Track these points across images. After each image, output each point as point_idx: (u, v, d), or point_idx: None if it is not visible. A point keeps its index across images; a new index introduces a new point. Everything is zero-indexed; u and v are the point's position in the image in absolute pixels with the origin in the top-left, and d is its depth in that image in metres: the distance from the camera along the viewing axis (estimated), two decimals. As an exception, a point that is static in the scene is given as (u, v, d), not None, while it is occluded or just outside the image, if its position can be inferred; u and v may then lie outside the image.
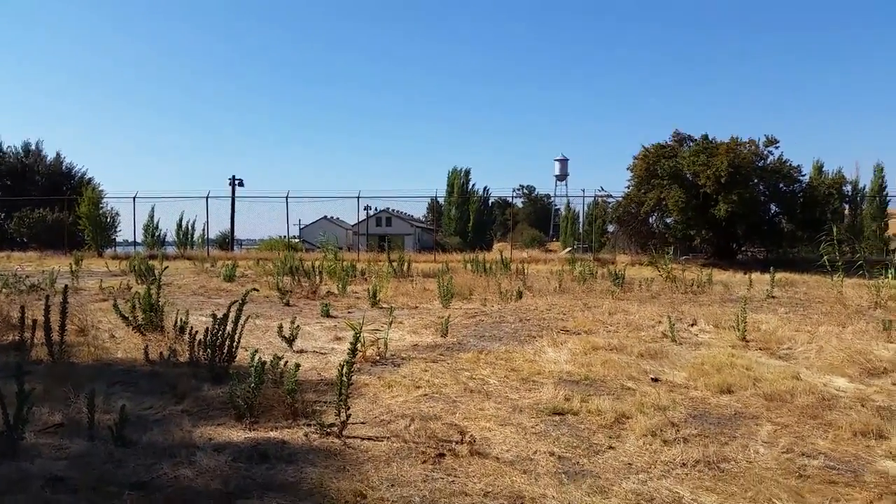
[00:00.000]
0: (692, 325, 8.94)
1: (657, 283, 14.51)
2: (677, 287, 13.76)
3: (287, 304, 10.93)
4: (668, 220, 25.90)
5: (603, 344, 7.16)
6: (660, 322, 8.87)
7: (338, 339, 7.65)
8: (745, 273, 17.78)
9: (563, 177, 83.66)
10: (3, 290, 10.81)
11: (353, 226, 51.19)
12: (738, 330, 7.72)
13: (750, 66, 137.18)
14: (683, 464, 3.67)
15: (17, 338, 6.54)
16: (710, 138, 25.16)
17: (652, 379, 5.75)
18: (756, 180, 23.59)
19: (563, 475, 3.49)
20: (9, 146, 43.55)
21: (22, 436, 3.67)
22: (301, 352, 6.82)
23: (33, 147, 43.97)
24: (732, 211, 21.93)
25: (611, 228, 33.61)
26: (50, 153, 44.15)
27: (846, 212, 34.17)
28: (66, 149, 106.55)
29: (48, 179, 41.44)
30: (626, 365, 6.20)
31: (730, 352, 6.89)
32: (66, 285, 7.41)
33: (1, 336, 6.88)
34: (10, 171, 41.88)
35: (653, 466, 3.64)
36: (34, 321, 6.24)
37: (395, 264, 17.46)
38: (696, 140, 25.75)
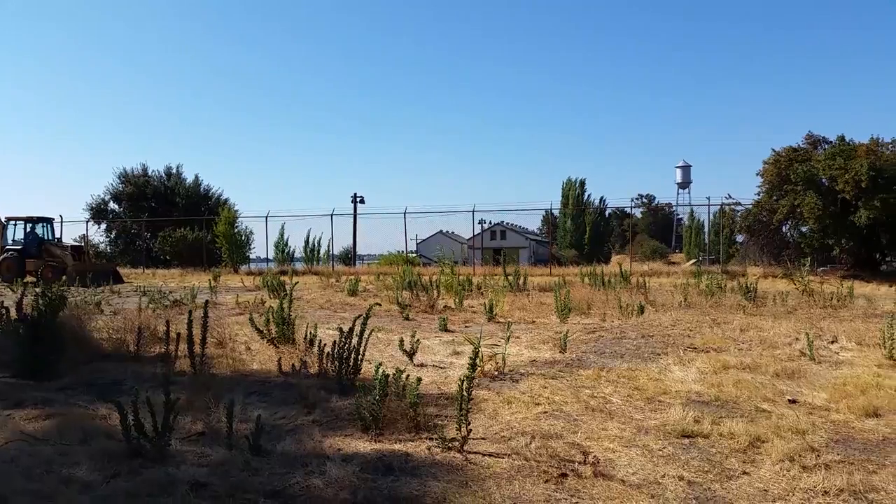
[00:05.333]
0: (832, 342, 8.34)
1: (793, 296, 13.62)
2: (815, 301, 12.85)
3: (406, 318, 11.19)
4: (804, 229, 24.45)
5: (734, 363, 6.80)
6: (797, 339, 8.32)
7: (456, 353, 7.74)
8: (890, 285, 16.40)
9: (685, 184, 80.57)
10: (150, 305, 11.75)
11: (468, 240, 51.73)
12: (885, 348, 7.12)
13: (889, 60, 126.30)
14: (825, 492, 3.42)
15: (162, 350, 7.11)
16: (848, 140, 23.58)
17: (789, 400, 5.40)
18: (901, 184, 21.76)
19: (694, 501, 3.35)
20: (153, 171, 47.58)
21: (168, 442, 3.97)
22: (421, 365, 6.95)
23: (174, 171, 47.76)
24: (874, 218, 20.40)
25: (740, 238, 32.04)
26: (189, 176, 47.80)
27: None
28: (203, 172, 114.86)
29: (188, 201, 44.74)
30: (761, 385, 5.85)
31: (875, 371, 6.41)
32: (206, 301, 7.97)
33: (149, 348, 7.48)
34: (155, 193, 45.66)
35: (791, 494, 3.42)
36: (178, 334, 6.74)
37: (510, 278, 17.45)
38: (831, 142, 24.27)
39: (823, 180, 22.51)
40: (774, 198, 24.07)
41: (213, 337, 7.59)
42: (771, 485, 3.56)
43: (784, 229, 25.41)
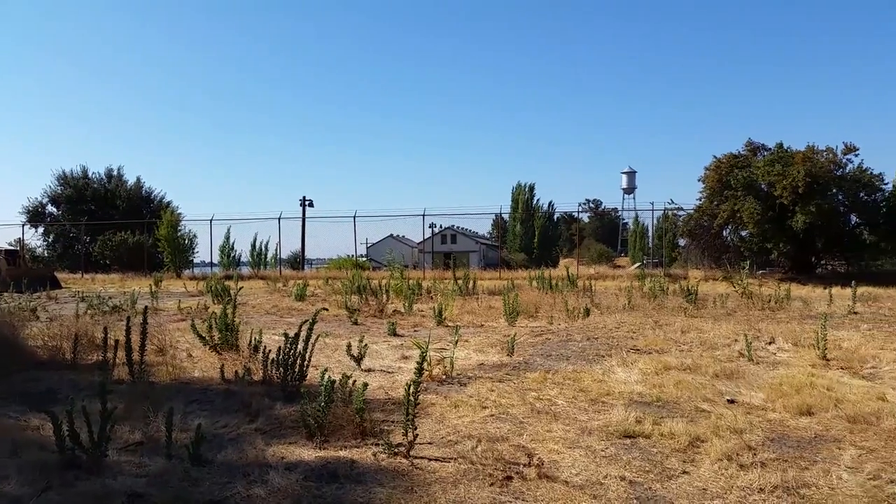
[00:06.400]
0: (770, 343, 8.62)
1: (732, 299, 14.05)
2: (753, 303, 13.27)
3: (355, 323, 11.11)
4: (743, 233, 25.13)
5: (675, 364, 6.97)
6: (736, 340, 8.58)
7: (405, 357, 7.72)
8: (824, 288, 17.01)
9: (630, 190, 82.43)
10: (88, 311, 11.39)
11: (418, 244, 51.63)
12: (819, 348, 7.39)
13: (825, 71, 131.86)
14: (761, 489, 3.52)
15: (100, 357, 6.88)
16: (786, 147, 24.42)
17: (728, 400, 5.56)
18: (835, 190, 22.68)
19: (635, 501, 3.41)
20: (93, 172, 46.17)
21: (105, 453, 3.84)
22: (369, 370, 6.91)
23: (115, 173, 46.44)
24: (810, 222, 21.13)
25: (682, 242, 32.84)
26: (130, 178, 46.56)
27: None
28: (145, 174, 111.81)
29: (129, 204, 43.58)
30: (701, 386, 6.01)
31: (809, 371, 6.61)
32: (145, 307, 7.76)
33: (86, 356, 7.24)
34: (95, 196, 44.27)
35: (729, 492, 3.51)
36: (116, 341, 6.54)
37: (460, 282, 17.51)
38: (770, 149, 25.03)
39: (762, 186, 23.21)
40: (715, 203, 24.68)
41: (153, 344, 7.40)
42: (710, 483, 3.65)
43: (724, 233, 26.04)
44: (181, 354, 7.53)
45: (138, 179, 46.41)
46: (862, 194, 23.00)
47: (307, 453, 4.13)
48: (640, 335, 9.31)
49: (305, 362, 5.74)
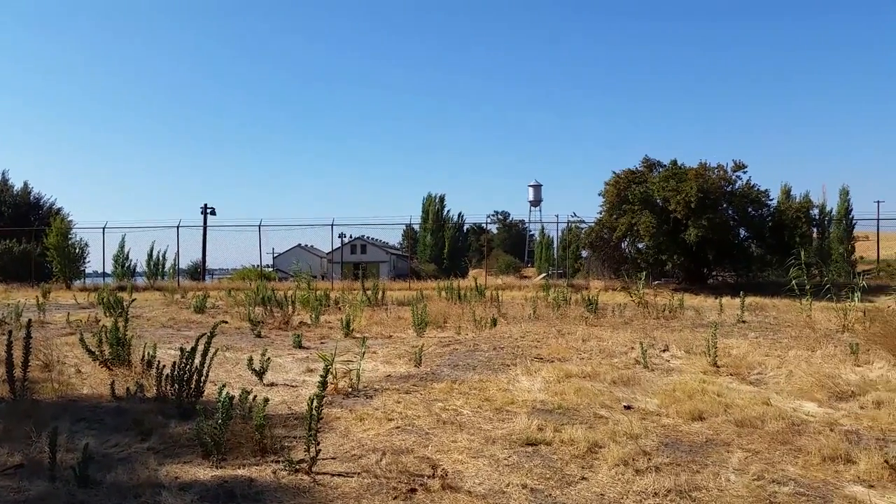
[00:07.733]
0: (664, 351, 9.00)
1: (630, 308, 14.61)
2: (649, 312, 13.85)
3: (258, 336, 10.80)
4: (640, 246, 26.08)
5: (576, 371, 7.16)
6: (632, 348, 8.91)
7: (310, 370, 7.56)
8: (715, 298, 17.96)
9: (536, 202, 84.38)
10: (-34, 324, 10.53)
11: (327, 254, 50.80)
12: (710, 355, 7.79)
13: (717, 90, 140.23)
14: (655, 493, 3.66)
15: (-23, 375, 6.36)
16: (680, 164, 25.54)
17: (625, 407, 5.76)
18: (725, 205, 23.92)
19: (536, 508, 3.46)
20: (-25, 177, 42.80)
21: (-22, 479, 3.55)
22: (272, 385, 6.72)
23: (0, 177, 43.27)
24: (702, 236, 22.19)
25: (584, 254, 33.77)
26: (17, 183, 43.48)
27: (814, 235, 34.71)
28: (34, 179, 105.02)
29: (15, 210, 40.64)
30: (599, 392, 6.20)
31: (701, 378, 6.93)
32: (29, 319, 7.28)
33: (-39, 373, 6.67)
34: (-24, 201, 41.07)
35: (625, 497, 3.63)
36: (-5, 357, 6.07)
37: (369, 293, 17.38)
38: (665, 166, 26.12)
39: (658, 201, 24.26)
40: (615, 216, 25.53)
41: (38, 359, 6.92)
42: (607, 489, 3.76)
43: (623, 246, 26.90)
44: (69, 370, 7.08)
45: (25, 185, 43.30)
46: (750, 209, 24.44)
47: (203, 472, 3.96)
48: (544, 344, 9.52)
49: (203, 377, 5.51)
